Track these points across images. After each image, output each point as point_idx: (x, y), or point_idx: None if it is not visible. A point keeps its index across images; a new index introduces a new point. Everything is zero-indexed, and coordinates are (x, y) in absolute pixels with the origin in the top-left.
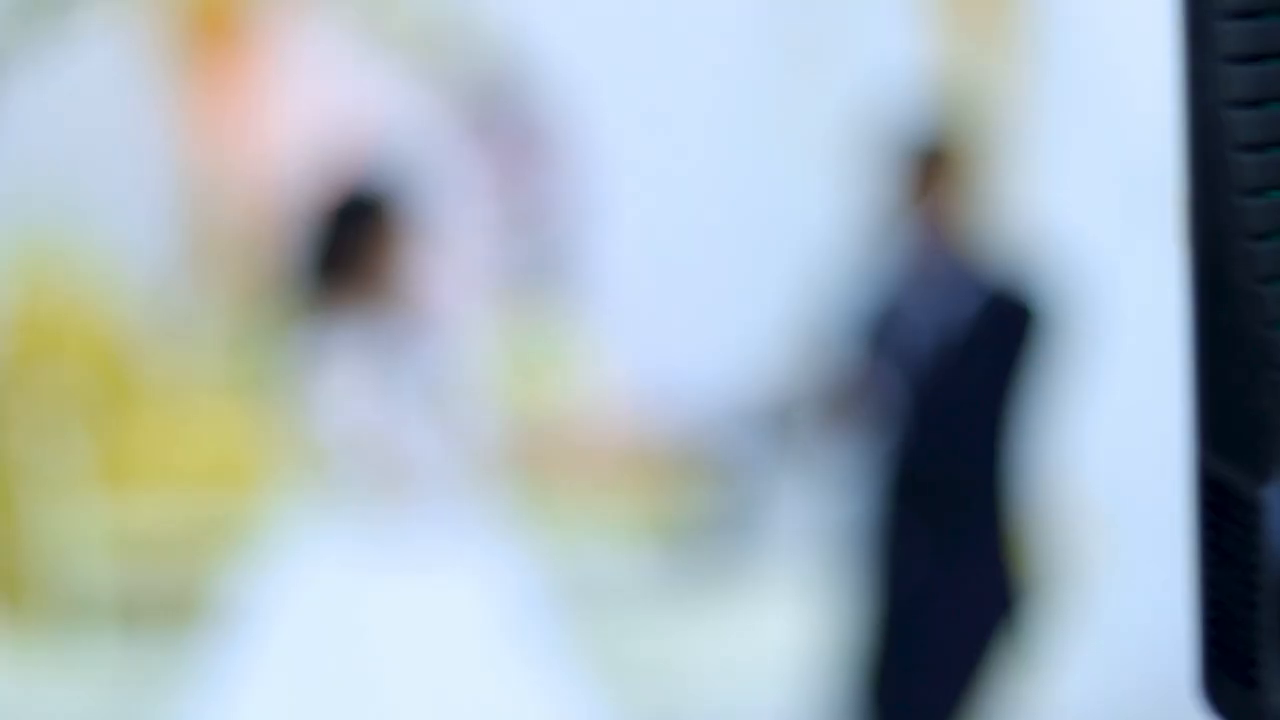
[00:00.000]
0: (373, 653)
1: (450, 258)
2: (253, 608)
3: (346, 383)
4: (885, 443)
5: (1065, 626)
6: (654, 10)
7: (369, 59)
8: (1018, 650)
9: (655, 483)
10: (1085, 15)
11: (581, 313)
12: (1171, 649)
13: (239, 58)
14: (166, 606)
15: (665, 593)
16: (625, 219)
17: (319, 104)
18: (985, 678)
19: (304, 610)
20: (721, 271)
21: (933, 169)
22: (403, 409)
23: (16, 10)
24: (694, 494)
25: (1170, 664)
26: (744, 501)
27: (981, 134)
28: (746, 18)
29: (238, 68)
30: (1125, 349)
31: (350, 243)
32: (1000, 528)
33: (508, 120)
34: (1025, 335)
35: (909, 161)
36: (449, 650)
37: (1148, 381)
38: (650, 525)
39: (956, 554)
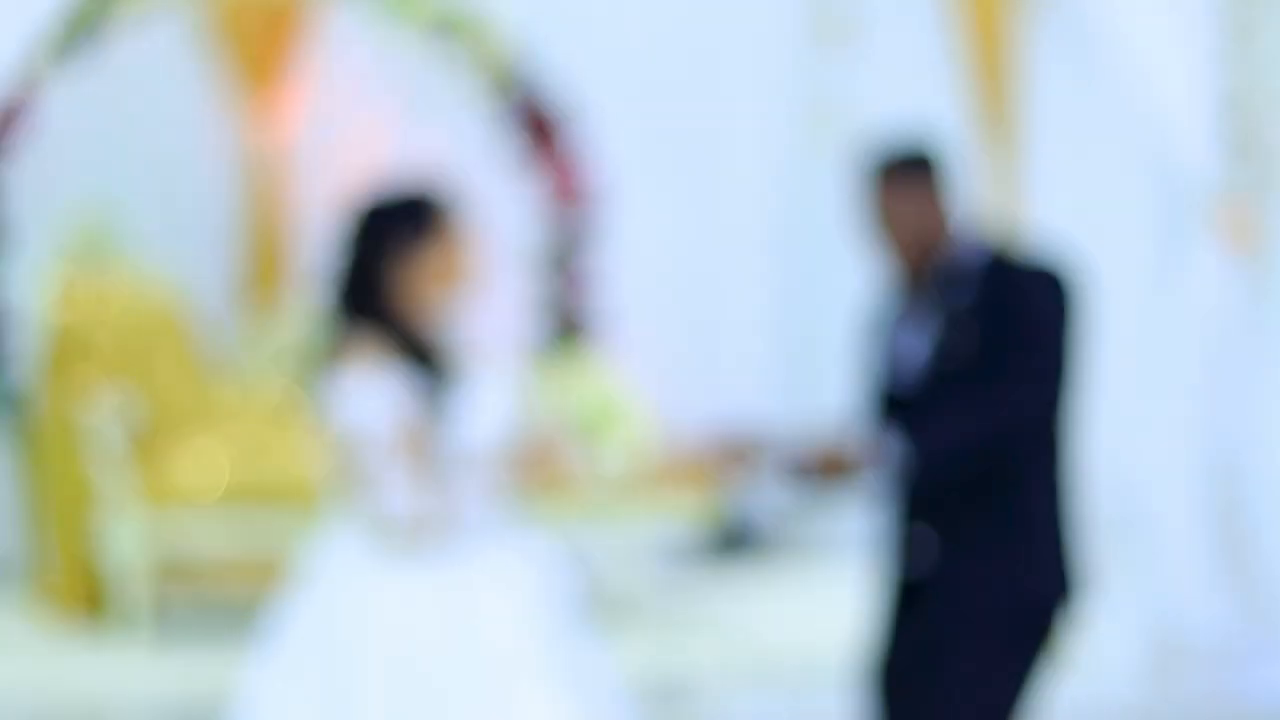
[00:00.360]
0: (396, 654)
1: (488, 262)
2: (289, 611)
3: (359, 382)
4: (896, 442)
5: (1076, 628)
6: (674, 47)
7: (413, 68)
8: (1033, 652)
9: (682, 490)
10: (1089, 12)
11: (609, 333)
12: (1174, 647)
13: (289, 72)
14: (212, 620)
15: (689, 595)
16: (642, 241)
17: (366, 118)
18: (999, 681)
19: (328, 611)
20: (751, 299)
21: (924, 177)
22: (419, 419)
23: (57, 30)
24: (721, 502)
25: (1173, 662)
26: (770, 510)
27: (978, 138)
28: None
29: (287, 80)
30: (1124, 349)
31: (388, 246)
32: (1020, 527)
33: (533, 125)
34: (1021, 305)
35: (898, 171)
36: (475, 648)
37: (1149, 380)
38: (675, 529)
39: (961, 555)
